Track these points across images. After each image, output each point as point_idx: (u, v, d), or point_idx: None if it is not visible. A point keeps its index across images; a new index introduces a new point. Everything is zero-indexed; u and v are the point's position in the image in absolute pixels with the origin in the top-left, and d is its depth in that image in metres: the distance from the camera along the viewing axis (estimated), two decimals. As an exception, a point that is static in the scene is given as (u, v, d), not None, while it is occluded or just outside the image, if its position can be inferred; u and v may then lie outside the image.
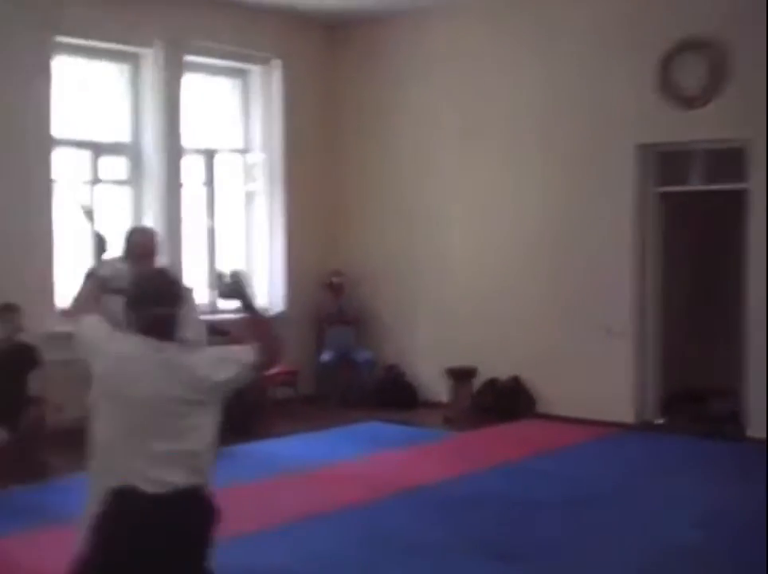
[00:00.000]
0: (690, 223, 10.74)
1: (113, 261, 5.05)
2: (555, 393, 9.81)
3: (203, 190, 10.49)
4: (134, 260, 5.26)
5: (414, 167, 10.82)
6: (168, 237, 9.73)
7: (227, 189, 10.78)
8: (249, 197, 10.98)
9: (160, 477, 3.39)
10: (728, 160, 9.08)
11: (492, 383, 10.09)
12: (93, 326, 3.74)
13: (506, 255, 10.20)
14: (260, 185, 10.96)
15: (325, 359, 10.75)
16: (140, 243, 5.38)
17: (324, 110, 11.33)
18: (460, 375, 10.03)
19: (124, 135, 9.84)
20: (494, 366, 10.02)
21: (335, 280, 11.01)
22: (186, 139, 10.07)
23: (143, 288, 3.72)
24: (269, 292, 10.93)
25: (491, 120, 10.24)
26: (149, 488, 3.37)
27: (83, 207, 5.10)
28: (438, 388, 10.30)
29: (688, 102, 8.98)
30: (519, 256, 10.08)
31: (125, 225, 9.72)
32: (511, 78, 10.10)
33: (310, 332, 11.03)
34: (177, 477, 3.41)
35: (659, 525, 6.27)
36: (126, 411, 3.46)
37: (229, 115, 10.85)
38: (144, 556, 3.36)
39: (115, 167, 9.80)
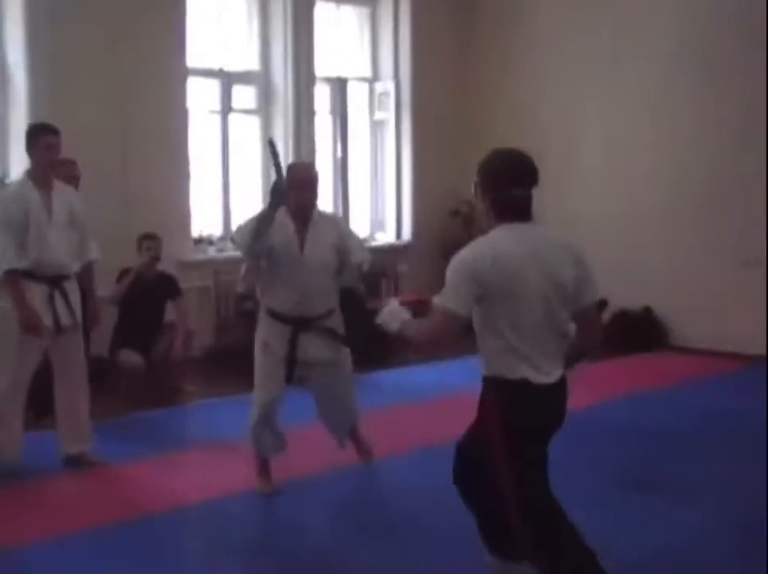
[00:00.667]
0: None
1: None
2: (688, 325, 9.61)
3: (332, 119, 10.50)
4: (296, 192, 5.29)
5: (551, 95, 10.58)
6: (298, 166, 9.81)
7: (356, 118, 10.77)
8: (378, 126, 10.96)
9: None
10: None
11: (624, 314, 9.94)
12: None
13: (643, 180, 9.95)
14: (388, 114, 10.91)
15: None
16: (302, 177, 5.39)
17: (454, 38, 11.17)
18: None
19: (254, 64, 9.90)
20: (625, 296, 9.85)
21: (464, 209, 10.94)
22: (316, 68, 10.06)
23: (513, 168, 3.66)
24: (398, 221, 10.94)
25: (640, 54, 9.90)
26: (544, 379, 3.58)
27: (270, 143, 5.29)
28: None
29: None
30: (656, 185, 9.82)
31: (256, 154, 9.89)
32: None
33: (440, 262, 10.99)
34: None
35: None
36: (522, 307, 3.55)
37: (358, 43, 10.80)
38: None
39: (245, 96, 9.89)
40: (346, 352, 5.78)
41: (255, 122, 9.96)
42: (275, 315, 5.43)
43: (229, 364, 8.75)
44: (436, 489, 4.81)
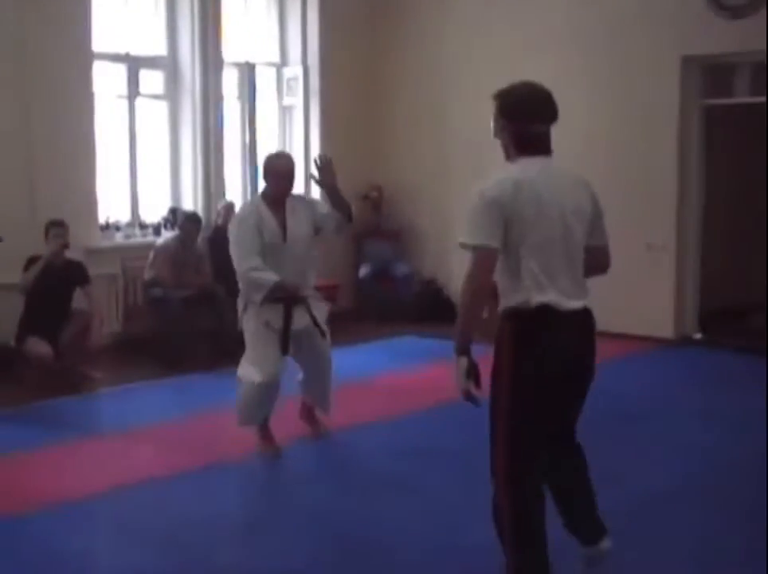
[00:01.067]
0: (733, 137, 10.60)
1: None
2: (595, 308, 9.76)
3: (240, 105, 10.44)
4: (276, 181, 5.85)
5: (456, 81, 10.68)
6: (205, 151, 9.74)
7: (264, 103, 10.72)
8: (287, 111, 10.92)
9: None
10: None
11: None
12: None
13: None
14: (297, 99, 10.88)
15: (363, 274, 10.78)
16: (282, 168, 5.92)
17: (363, 23, 11.18)
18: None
19: (161, 49, 9.78)
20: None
21: (373, 194, 10.99)
22: (224, 53, 9.99)
23: (537, 103, 3.68)
24: (307, 207, 10.92)
25: (539, 37, 10.03)
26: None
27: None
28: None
29: (735, 12, 8.78)
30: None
31: (164, 139, 9.79)
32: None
33: (348, 247, 11.05)
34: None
35: (698, 438, 6.33)
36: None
37: (266, 28, 10.74)
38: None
39: (152, 81, 9.77)
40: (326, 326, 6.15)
41: (162, 107, 9.85)
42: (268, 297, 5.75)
43: (138, 351, 8.69)
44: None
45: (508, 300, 3.60)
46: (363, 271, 10.77)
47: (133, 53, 9.52)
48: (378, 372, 8.28)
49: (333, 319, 9.95)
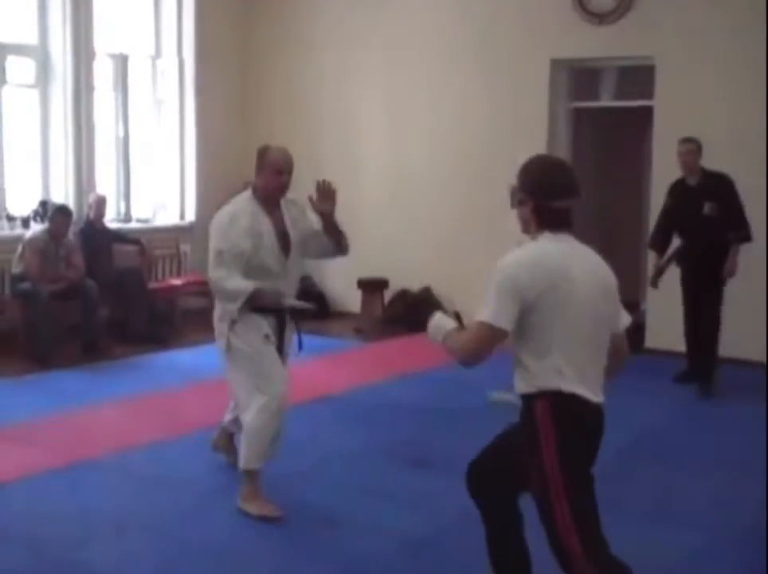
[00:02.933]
0: (600, 138, 10.95)
1: None
2: (466, 304, 9.94)
3: (114, 96, 10.29)
4: (272, 176, 5.13)
5: (332, 77, 10.74)
6: (77, 143, 9.58)
7: (138, 95, 10.58)
8: (161, 104, 10.81)
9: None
10: (638, 77, 9.25)
11: (403, 294, 10.23)
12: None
13: (420, 167, 10.26)
14: (172, 92, 10.78)
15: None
16: (279, 161, 5.21)
17: (239, 16, 11.14)
18: (371, 286, 10.16)
19: (31, 37, 9.57)
20: (405, 277, 10.15)
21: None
22: (97, 43, 9.83)
23: (560, 178, 3.50)
24: (181, 202, 10.84)
25: (411, 35, 10.17)
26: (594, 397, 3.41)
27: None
28: (349, 299, 10.42)
29: (601, 18, 9.07)
30: (434, 168, 10.15)
31: (34, 130, 9.59)
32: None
33: (222, 242, 10.98)
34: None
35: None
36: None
37: (140, 19, 10.60)
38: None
39: (23, 69, 9.55)
40: None
41: (33, 96, 9.64)
42: (261, 309, 4.99)
43: (4, 347, 8.50)
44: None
45: (533, 384, 3.38)
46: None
47: (1, 40, 9.29)
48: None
49: (205, 315, 10.04)
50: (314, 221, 5.33)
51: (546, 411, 3.34)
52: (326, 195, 5.22)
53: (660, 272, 7.84)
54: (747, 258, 7.70)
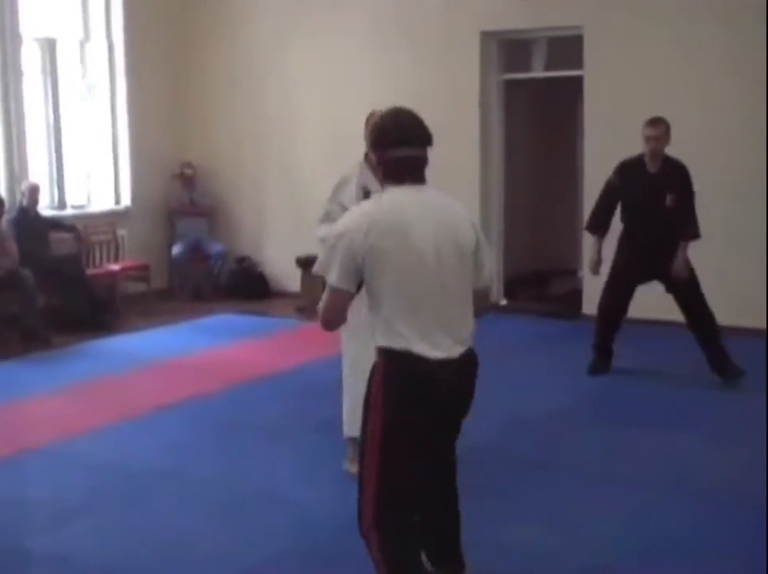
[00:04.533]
0: (533, 110, 11.04)
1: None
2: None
3: (43, 82, 10.15)
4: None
5: (267, 55, 10.66)
6: (6, 130, 9.45)
7: (68, 80, 10.44)
8: (92, 88, 10.68)
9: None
10: (568, 47, 9.32)
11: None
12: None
13: (358, 143, 10.20)
14: (102, 75, 10.65)
15: (176, 253, 10.69)
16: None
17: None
18: (311, 265, 10.11)
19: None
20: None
21: (186, 171, 10.88)
22: (23, 27, 9.67)
23: (397, 127, 3.43)
24: (116, 186, 10.75)
25: (345, 15, 10.12)
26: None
27: None
28: (290, 279, 10.42)
29: (530, -11, 9.12)
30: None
31: None
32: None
33: (160, 225, 10.94)
34: None
35: (511, 399, 6.65)
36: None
37: (68, 2, 10.44)
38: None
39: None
40: None
41: (-41, 84, 9.48)
42: None
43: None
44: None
45: (375, 338, 3.37)
46: (176, 250, 10.68)
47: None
48: (192, 352, 8.28)
49: (145, 299, 10.03)
50: None
51: (379, 369, 3.36)
52: None
53: (600, 260, 7.24)
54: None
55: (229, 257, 10.90)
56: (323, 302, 3.37)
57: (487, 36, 9.50)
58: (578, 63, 9.10)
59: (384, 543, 3.36)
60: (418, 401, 3.32)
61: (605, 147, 8.89)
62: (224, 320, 9.65)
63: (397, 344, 3.29)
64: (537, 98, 10.87)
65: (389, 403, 3.31)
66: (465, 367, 3.42)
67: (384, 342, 3.33)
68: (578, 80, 9.16)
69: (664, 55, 8.61)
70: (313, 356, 7.85)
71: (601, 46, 8.89)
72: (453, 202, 3.51)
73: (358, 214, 3.38)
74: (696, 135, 8.29)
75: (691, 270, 6.95)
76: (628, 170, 7.00)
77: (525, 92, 10.48)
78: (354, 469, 4.83)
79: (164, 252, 10.82)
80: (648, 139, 6.84)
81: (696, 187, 6.97)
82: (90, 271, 9.74)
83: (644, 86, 8.71)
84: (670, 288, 7.04)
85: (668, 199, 6.78)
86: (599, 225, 7.21)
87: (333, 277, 3.31)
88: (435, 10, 9.63)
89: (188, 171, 10.89)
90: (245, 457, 5.60)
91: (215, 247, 10.83)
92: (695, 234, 6.96)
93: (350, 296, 3.35)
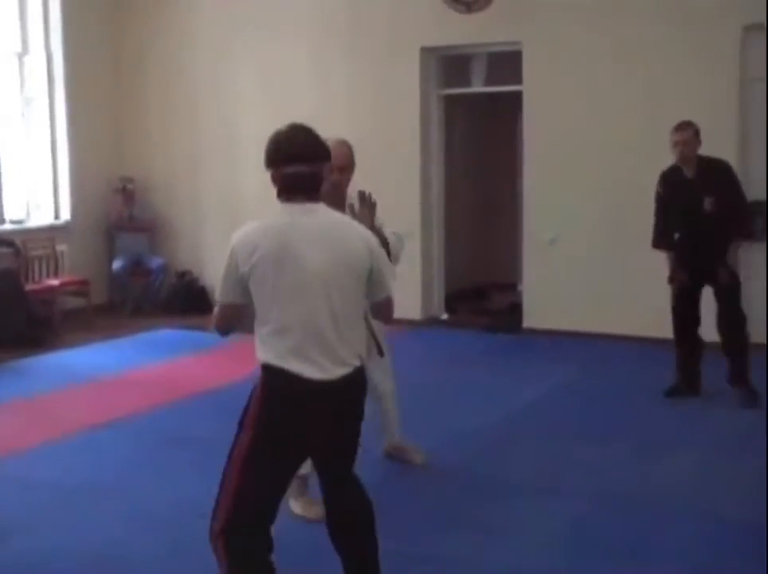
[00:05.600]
0: (473, 125, 11.14)
1: None
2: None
3: (-21, 95, 10.04)
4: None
5: (207, 68, 10.63)
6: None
7: (5, 93, 10.33)
8: (30, 102, 10.57)
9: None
10: (507, 63, 9.42)
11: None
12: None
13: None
14: (40, 89, 10.55)
15: (116, 267, 10.60)
16: (336, 155, 4.73)
17: (109, 9, 10.93)
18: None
19: None
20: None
21: (126, 186, 10.80)
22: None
23: (286, 143, 3.40)
24: (55, 201, 10.64)
25: (286, 25, 10.13)
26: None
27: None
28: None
29: (468, 5, 9.20)
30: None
31: None
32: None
33: (100, 240, 10.84)
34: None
35: (449, 412, 6.71)
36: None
37: (5, 14, 10.33)
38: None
39: None
40: None
41: None
42: None
43: None
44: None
45: (257, 353, 3.35)
46: (116, 264, 10.60)
47: None
48: (132, 367, 8.21)
49: (85, 315, 9.92)
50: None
51: (259, 385, 3.35)
52: (368, 207, 5.00)
53: (679, 269, 6.75)
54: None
55: (170, 271, 10.83)
56: (214, 313, 3.44)
57: (427, 51, 9.57)
58: (517, 78, 9.19)
59: (232, 547, 3.33)
60: (290, 419, 3.30)
61: (543, 161, 9.02)
62: (164, 335, 9.58)
63: (275, 361, 3.29)
64: (476, 113, 10.97)
65: (263, 417, 3.31)
66: (347, 388, 3.37)
67: (263, 358, 3.32)
68: (518, 95, 9.26)
69: (604, 69, 8.73)
70: (251, 371, 7.82)
71: (539, 62, 8.99)
72: (347, 221, 3.52)
73: (249, 231, 3.35)
74: (635, 151, 8.44)
75: (735, 275, 6.68)
76: (667, 179, 6.77)
77: (465, 107, 10.57)
78: (297, 509, 4.84)
79: (104, 267, 10.73)
80: (675, 144, 6.58)
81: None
82: (29, 286, 9.63)
83: (583, 101, 8.83)
84: (718, 292, 6.72)
85: (707, 203, 6.52)
86: (663, 238, 6.85)
87: (218, 292, 3.39)
88: (376, 25, 9.69)
89: (129, 186, 10.81)
90: (183, 472, 5.56)
91: (155, 262, 10.76)
92: (746, 233, 6.71)
93: (237, 307, 3.37)
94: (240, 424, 3.40)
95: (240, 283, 3.31)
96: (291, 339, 3.28)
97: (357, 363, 3.39)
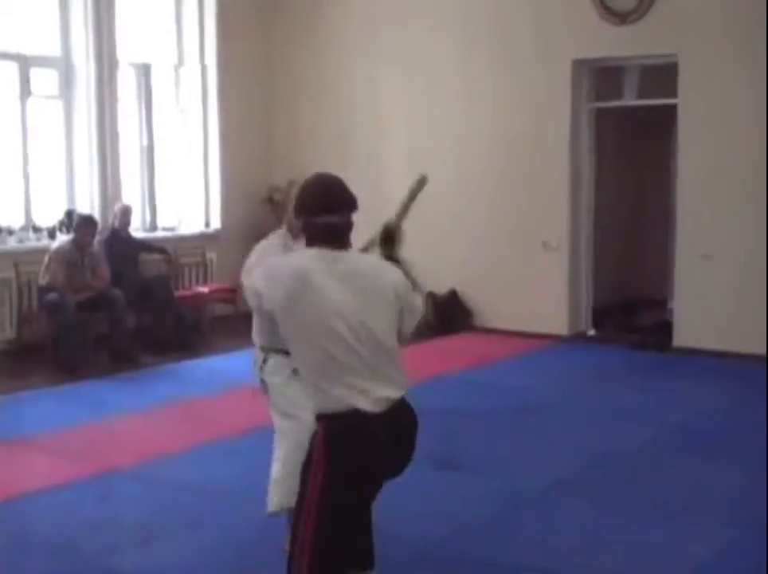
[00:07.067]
0: (624, 138, 10.92)
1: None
2: (492, 307, 9.97)
3: (138, 106, 10.34)
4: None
5: (356, 82, 10.72)
6: (101, 153, 9.63)
7: (161, 104, 10.63)
8: (184, 112, 10.84)
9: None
10: (661, 76, 9.20)
11: (430, 297, 10.20)
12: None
13: (445, 171, 10.21)
14: (195, 100, 10.81)
15: (264, 276, 10.72)
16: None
17: (260, 21, 11.13)
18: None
19: (54, 48, 9.62)
20: (432, 280, 10.09)
21: (276, 196, 10.94)
22: (120, 53, 9.88)
23: (321, 194, 3.44)
24: (206, 209, 10.88)
25: (433, 36, 10.14)
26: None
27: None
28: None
29: (622, 17, 9.02)
30: (459, 172, 10.10)
31: (59, 141, 9.65)
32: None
33: (249, 249, 10.96)
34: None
35: (597, 431, 6.55)
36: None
37: (162, 28, 10.64)
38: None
39: (45, 80, 9.61)
40: None
41: (57, 107, 9.69)
42: None
43: (32, 357, 8.55)
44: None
45: (312, 407, 3.38)
46: (264, 273, 10.72)
47: (24, 52, 9.35)
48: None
49: (232, 322, 10.08)
50: None
51: (319, 435, 3.28)
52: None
53: None
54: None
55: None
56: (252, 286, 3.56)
57: (578, 64, 9.41)
58: (672, 91, 8.95)
59: None
60: (356, 460, 3.26)
61: (698, 175, 8.76)
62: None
63: (333, 405, 3.25)
64: (627, 126, 10.74)
65: (331, 466, 3.23)
66: (399, 420, 3.36)
67: (320, 407, 3.30)
68: (671, 108, 9.02)
69: (763, 82, 8.42)
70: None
71: (696, 74, 8.72)
72: (376, 263, 3.54)
73: (271, 269, 3.43)
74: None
75: None
76: None
77: (616, 120, 10.36)
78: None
79: (251, 275, 10.86)
80: None
81: None
82: (179, 293, 9.85)
83: (741, 114, 8.53)
84: None
85: None
86: None
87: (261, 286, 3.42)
88: (527, 37, 9.58)
89: (277, 196, 10.94)
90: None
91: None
92: None
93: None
94: (303, 485, 3.32)
95: (282, 301, 3.31)
96: (339, 380, 3.26)
97: (397, 393, 3.38)
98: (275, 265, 3.46)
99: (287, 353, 3.93)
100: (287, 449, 4.39)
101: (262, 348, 4.62)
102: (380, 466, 3.35)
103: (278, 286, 3.30)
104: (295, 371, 4.45)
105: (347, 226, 3.44)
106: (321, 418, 3.30)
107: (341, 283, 3.30)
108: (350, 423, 3.25)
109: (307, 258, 3.36)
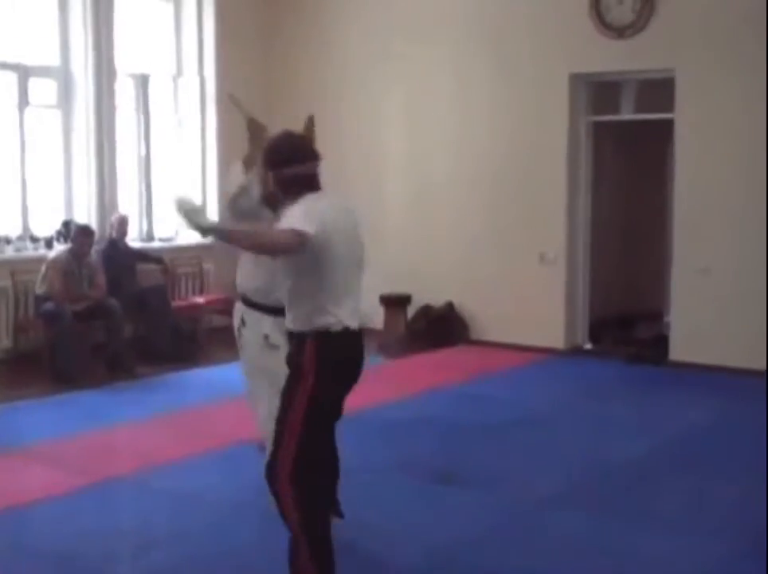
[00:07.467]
0: (620, 152, 10.95)
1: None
2: (489, 319, 9.98)
3: (136, 116, 10.35)
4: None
5: (355, 96, 10.74)
6: (99, 163, 9.64)
7: (159, 114, 10.65)
8: (182, 122, 10.86)
9: None
10: (658, 90, 9.24)
11: (426, 310, 10.22)
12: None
13: (442, 182, 10.25)
14: (193, 110, 10.83)
15: (259, 287, 10.72)
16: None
17: (259, 31, 11.16)
18: (394, 303, 10.14)
19: (53, 58, 9.64)
20: (428, 293, 10.14)
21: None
22: (118, 63, 9.90)
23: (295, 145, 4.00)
24: (203, 219, 10.86)
25: (429, 44, 10.18)
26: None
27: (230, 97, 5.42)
28: (372, 316, 10.39)
29: (620, 32, 9.05)
30: (456, 183, 10.13)
31: (56, 150, 9.66)
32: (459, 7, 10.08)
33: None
34: None
35: (592, 444, 6.55)
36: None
37: (161, 38, 10.67)
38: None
39: (44, 90, 9.62)
40: None
41: (55, 117, 9.71)
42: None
43: (29, 367, 8.55)
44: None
45: (305, 323, 3.86)
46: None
47: (23, 61, 9.37)
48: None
49: (228, 333, 10.04)
50: None
51: (311, 347, 3.81)
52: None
53: None
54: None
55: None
56: (279, 233, 3.72)
57: (576, 78, 9.44)
58: (669, 106, 8.98)
59: (298, 497, 3.80)
60: (346, 374, 3.95)
61: (695, 189, 8.79)
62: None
63: (331, 324, 3.81)
64: (624, 140, 10.78)
65: (321, 378, 3.79)
66: (361, 336, 4.02)
67: (315, 325, 3.80)
68: (668, 123, 9.05)
69: (761, 97, 8.44)
70: (394, 395, 7.82)
71: (693, 89, 8.76)
72: (348, 202, 4.12)
73: (305, 210, 3.78)
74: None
75: None
76: None
77: (614, 134, 10.40)
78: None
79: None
80: None
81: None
82: (175, 303, 9.85)
83: (739, 129, 8.56)
84: None
85: None
86: None
87: (301, 225, 3.68)
88: (524, 51, 9.61)
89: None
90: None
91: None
92: None
93: (305, 245, 3.68)
94: (293, 382, 3.86)
95: (317, 234, 3.71)
96: (341, 302, 3.90)
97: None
98: (301, 210, 3.79)
99: (262, 310, 4.95)
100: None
101: (245, 301, 5.18)
102: (354, 378, 4.00)
103: (316, 220, 3.72)
104: (266, 338, 5.05)
105: (317, 175, 3.99)
106: (311, 334, 3.81)
107: (344, 218, 3.92)
108: (343, 340, 3.86)
109: (312, 201, 3.85)
